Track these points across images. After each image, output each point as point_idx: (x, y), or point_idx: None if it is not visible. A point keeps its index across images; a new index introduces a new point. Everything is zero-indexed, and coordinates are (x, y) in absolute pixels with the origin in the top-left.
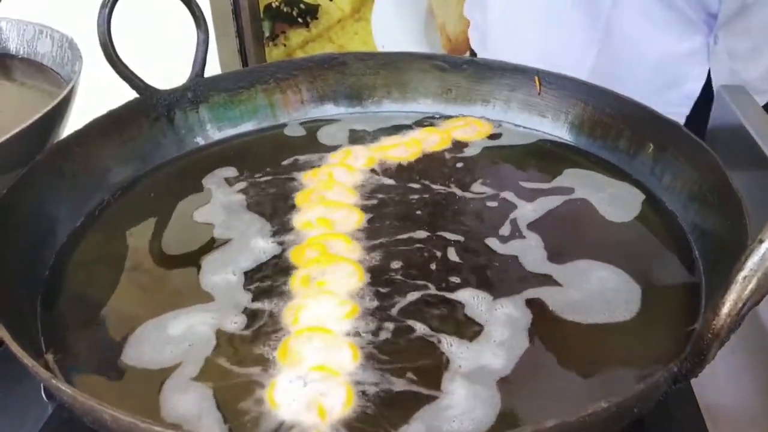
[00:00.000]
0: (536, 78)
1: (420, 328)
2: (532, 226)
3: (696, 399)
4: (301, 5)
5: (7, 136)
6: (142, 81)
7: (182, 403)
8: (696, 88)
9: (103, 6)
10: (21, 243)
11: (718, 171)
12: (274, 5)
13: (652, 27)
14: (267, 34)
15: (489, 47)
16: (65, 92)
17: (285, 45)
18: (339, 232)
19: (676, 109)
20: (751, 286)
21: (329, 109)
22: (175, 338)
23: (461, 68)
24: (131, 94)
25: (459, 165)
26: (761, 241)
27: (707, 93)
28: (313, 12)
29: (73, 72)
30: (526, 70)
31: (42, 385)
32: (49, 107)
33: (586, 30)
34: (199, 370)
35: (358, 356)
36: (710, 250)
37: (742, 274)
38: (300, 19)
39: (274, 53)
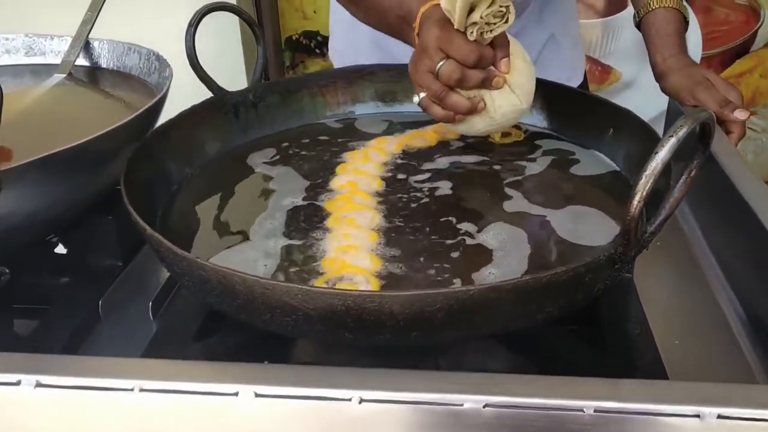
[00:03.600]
0: None
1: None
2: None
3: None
4: (318, 38)
5: (127, 119)
6: (216, 84)
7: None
8: None
9: (189, 25)
10: (142, 194)
11: (654, 137)
12: (294, 38)
13: None
14: (288, 63)
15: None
16: (163, 91)
17: (304, 73)
18: (362, 190)
19: None
20: (650, 181)
21: (361, 108)
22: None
23: None
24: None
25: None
26: (656, 153)
27: None
28: (328, 43)
29: (163, 77)
30: None
31: (150, 304)
32: (154, 100)
33: None
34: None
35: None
36: None
37: (645, 173)
38: (317, 50)
39: None
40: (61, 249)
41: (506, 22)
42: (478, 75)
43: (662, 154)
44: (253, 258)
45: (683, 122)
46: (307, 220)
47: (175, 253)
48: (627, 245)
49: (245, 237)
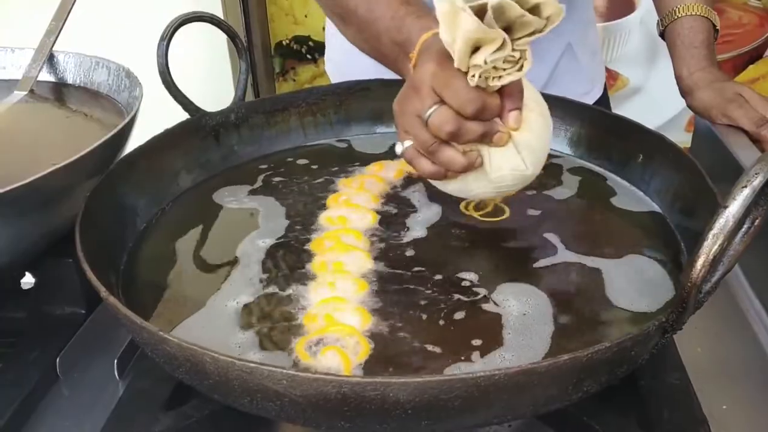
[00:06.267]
0: None
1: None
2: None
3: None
4: (310, 43)
5: (88, 149)
6: (193, 104)
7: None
8: None
9: (162, 39)
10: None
11: (697, 172)
12: (284, 43)
13: None
14: (277, 70)
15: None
16: (132, 113)
17: (294, 80)
18: (353, 228)
19: None
20: (719, 241)
21: (356, 129)
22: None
23: None
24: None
25: None
26: (725, 207)
27: None
28: (320, 49)
29: (133, 98)
30: None
31: (115, 362)
32: (121, 125)
33: None
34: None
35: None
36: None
37: (712, 232)
38: (309, 56)
39: (284, 87)
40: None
41: (520, 69)
42: (476, 129)
43: (734, 209)
44: (227, 316)
45: (759, 168)
46: (289, 265)
47: (134, 323)
48: (683, 312)
49: (221, 283)
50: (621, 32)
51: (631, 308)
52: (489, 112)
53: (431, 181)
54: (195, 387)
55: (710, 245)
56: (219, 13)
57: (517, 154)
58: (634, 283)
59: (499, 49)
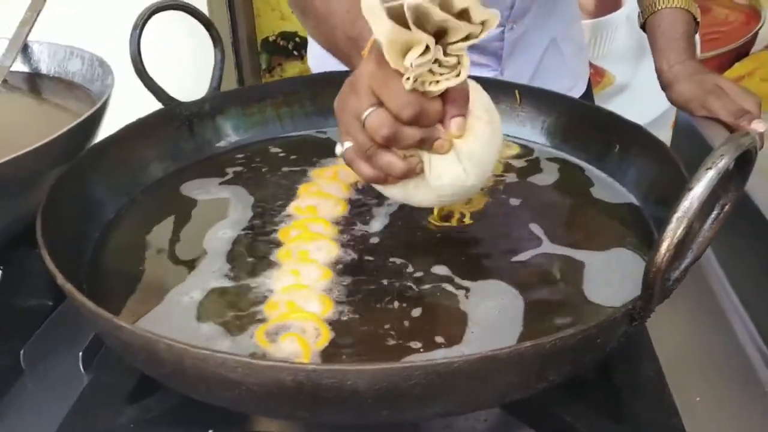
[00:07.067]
0: (516, 91)
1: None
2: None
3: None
4: (297, 39)
5: (56, 134)
6: (166, 93)
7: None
8: None
9: (134, 27)
10: (67, 228)
11: (672, 162)
12: (270, 39)
13: None
14: (264, 66)
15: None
16: (102, 100)
17: (281, 76)
18: (322, 217)
19: None
20: (683, 225)
21: (333, 120)
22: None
23: None
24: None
25: None
26: (690, 189)
27: None
28: (307, 45)
29: (105, 86)
30: (508, 85)
31: (80, 355)
32: (89, 112)
33: None
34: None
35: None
36: None
37: (676, 215)
38: (295, 52)
39: None
40: None
41: (458, 75)
42: (414, 134)
43: (698, 191)
44: (193, 306)
45: (724, 150)
46: (255, 254)
47: (89, 310)
48: (650, 299)
49: (187, 274)
50: (607, 29)
51: (607, 304)
52: (427, 117)
53: (373, 185)
54: (153, 377)
55: (675, 228)
56: (204, 8)
57: (458, 163)
58: (614, 278)
59: (423, 53)
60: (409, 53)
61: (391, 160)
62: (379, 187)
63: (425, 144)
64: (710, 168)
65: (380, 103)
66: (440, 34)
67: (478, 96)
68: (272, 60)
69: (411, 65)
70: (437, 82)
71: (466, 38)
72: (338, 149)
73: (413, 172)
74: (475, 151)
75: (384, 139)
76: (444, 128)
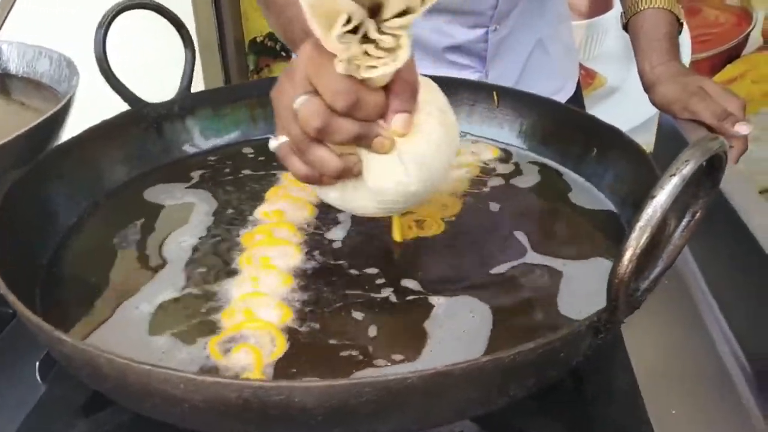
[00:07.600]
0: (495, 93)
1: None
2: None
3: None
4: None
5: (15, 134)
6: (132, 94)
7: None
8: None
9: (99, 26)
10: (22, 233)
11: (648, 166)
12: (258, 40)
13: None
14: (251, 67)
15: None
16: (65, 100)
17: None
18: (288, 221)
19: None
20: (646, 234)
21: None
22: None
23: None
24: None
25: None
26: (653, 197)
27: None
28: None
29: (70, 86)
30: (485, 87)
31: (37, 364)
32: (51, 112)
33: None
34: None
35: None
36: None
37: (639, 224)
38: (283, 53)
39: None
40: None
41: (395, 60)
42: (349, 128)
43: (661, 199)
44: (149, 317)
45: (689, 155)
46: (216, 261)
47: (32, 322)
48: (614, 311)
49: (144, 283)
50: (598, 30)
51: (581, 317)
52: (365, 109)
53: (312, 188)
54: (101, 391)
55: (637, 237)
56: (188, 9)
57: (400, 164)
58: (591, 289)
59: (345, 25)
60: (335, 25)
61: (324, 155)
62: (317, 190)
63: (363, 141)
64: (674, 174)
65: (316, 92)
66: (376, 10)
67: (434, 96)
68: (260, 61)
69: (337, 39)
70: (374, 67)
71: (404, 13)
72: (272, 143)
73: (350, 173)
74: (422, 153)
75: (316, 131)
76: (386, 124)
